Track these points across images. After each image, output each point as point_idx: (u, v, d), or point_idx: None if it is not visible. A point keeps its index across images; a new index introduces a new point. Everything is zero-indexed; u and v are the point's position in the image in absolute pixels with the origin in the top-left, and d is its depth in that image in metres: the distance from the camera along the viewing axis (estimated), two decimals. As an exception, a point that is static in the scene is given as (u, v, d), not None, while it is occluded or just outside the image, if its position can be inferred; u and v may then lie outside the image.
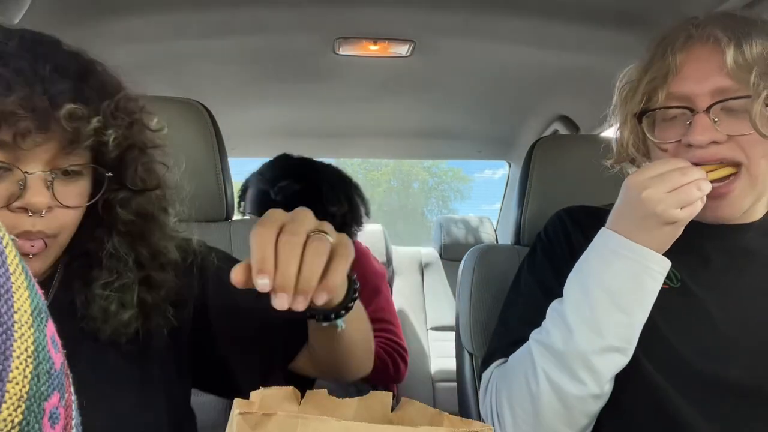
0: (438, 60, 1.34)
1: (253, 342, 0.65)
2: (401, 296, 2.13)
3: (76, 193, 0.54)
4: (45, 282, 0.58)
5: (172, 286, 0.60)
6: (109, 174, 0.56)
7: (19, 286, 0.23)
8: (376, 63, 1.35)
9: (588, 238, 0.68)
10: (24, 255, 0.51)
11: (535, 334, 0.66)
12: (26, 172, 0.49)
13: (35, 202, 0.49)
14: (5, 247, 0.23)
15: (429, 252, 2.33)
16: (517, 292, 0.79)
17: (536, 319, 0.69)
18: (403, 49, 1.26)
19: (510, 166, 2.32)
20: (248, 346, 0.65)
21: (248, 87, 1.53)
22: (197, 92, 1.48)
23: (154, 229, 0.60)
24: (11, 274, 0.22)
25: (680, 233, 0.59)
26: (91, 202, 0.55)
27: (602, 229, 0.63)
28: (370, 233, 2.20)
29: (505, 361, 0.71)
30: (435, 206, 10.30)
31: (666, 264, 0.60)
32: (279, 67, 1.39)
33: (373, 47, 1.25)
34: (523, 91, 1.58)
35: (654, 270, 0.59)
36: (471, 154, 2.28)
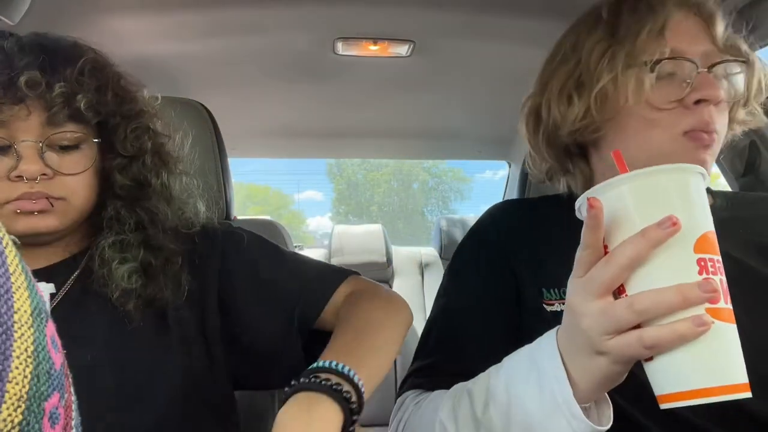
0: (438, 60, 1.34)
1: (275, 304, 0.68)
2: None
3: (74, 162, 0.60)
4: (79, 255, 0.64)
5: (174, 249, 0.64)
6: (97, 140, 0.62)
7: (19, 287, 0.23)
8: (376, 63, 1.35)
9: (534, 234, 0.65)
10: (30, 214, 0.57)
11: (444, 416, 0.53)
12: (21, 142, 0.56)
13: (27, 169, 0.56)
14: (5, 248, 0.23)
15: (429, 252, 2.33)
16: (435, 308, 0.71)
17: (456, 338, 0.65)
18: (403, 49, 1.26)
19: (510, 166, 2.32)
20: (270, 308, 0.68)
21: (248, 87, 1.53)
22: (197, 92, 1.48)
23: (150, 194, 0.65)
24: (11, 274, 0.22)
25: (624, 372, 0.41)
26: (85, 170, 0.61)
27: (551, 333, 0.46)
28: (370, 233, 2.20)
29: (418, 396, 0.63)
30: (435, 206, 10.31)
31: (579, 424, 0.42)
32: (279, 67, 1.39)
33: (373, 47, 1.25)
34: (523, 91, 1.58)
35: (563, 426, 0.42)
36: (471, 154, 2.28)
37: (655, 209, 0.37)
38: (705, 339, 0.35)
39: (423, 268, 2.26)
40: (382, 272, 2.18)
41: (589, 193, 0.40)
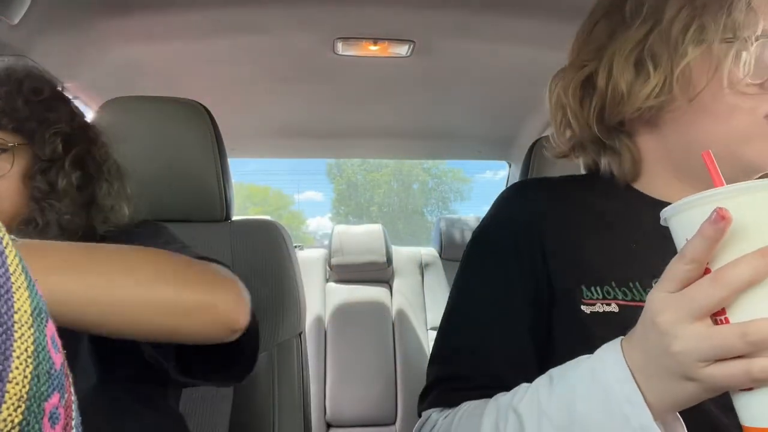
0: (438, 60, 1.34)
1: None
2: (401, 296, 2.13)
3: None
4: None
5: None
6: (11, 144, 0.64)
7: (19, 287, 0.22)
8: (376, 63, 1.35)
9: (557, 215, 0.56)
10: None
11: None
12: None
13: None
14: (5, 247, 0.23)
15: (429, 252, 2.33)
16: (450, 309, 0.63)
17: (480, 343, 0.57)
18: (403, 49, 1.26)
19: (510, 166, 2.32)
20: None
21: (248, 87, 1.53)
22: (197, 92, 1.48)
23: (61, 197, 0.66)
24: (11, 274, 0.22)
25: (700, 399, 0.37)
26: (3, 174, 0.63)
27: (614, 345, 0.41)
28: (370, 233, 2.20)
29: (444, 414, 0.55)
30: (435, 207, 10.31)
31: None
32: (279, 67, 1.39)
33: (373, 47, 1.25)
34: (523, 91, 1.58)
35: None
36: (471, 154, 2.28)
37: None
38: None
39: (423, 268, 2.26)
40: (382, 272, 2.18)
41: (687, 201, 0.35)
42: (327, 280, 2.22)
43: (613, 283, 0.52)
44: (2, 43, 0.99)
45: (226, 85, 1.50)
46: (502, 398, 0.48)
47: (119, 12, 1.07)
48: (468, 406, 0.52)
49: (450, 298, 0.64)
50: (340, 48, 1.25)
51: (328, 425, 1.91)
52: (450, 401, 0.55)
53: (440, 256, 2.30)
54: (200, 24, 1.14)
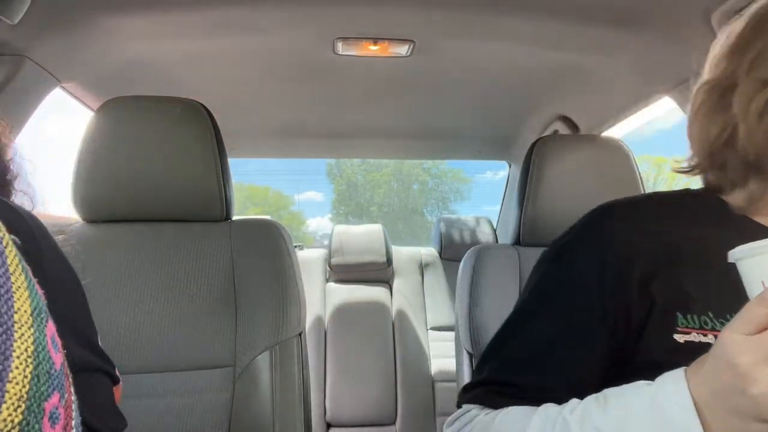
0: (438, 60, 1.34)
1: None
2: (401, 296, 2.13)
3: None
4: None
5: None
6: None
7: (19, 287, 0.22)
8: (376, 63, 1.35)
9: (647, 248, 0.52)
10: None
11: None
12: None
13: None
14: (5, 247, 0.23)
15: (429, 252, 2.33)
16: (520, 314, 0.61)
17: (543, 360, 0.55)
18: (403, 49, 1.26)
19: (510, 166, 2.32)
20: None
21: (248, 87, 1.53)
22: (197, 92, 1.48)
23: None
24: (11, 274, 0.22)
25: None
26: None
27: (677, 374, 0.41)
28: (370, 233, 2.20)
29: (485, 412, 0.56)
30: (435, 207, 10.30)
31: None
32: (279, 67, 1.39)
33: (373, 47, 1.25)
34: (523, 91, 1.58)
35: None
36: (471, 154, 2.28)
37: None
38: None
39: (423, 268, 2.26)
40: (382, 272, 2.18)
41: (763, 244, 0.35)
42: (327, 280, 2.22)
43: (711, 314, 0.49)
44: (2, 43, 0.98)
45: (226, 85, 1.50)
46: (551, 408, 0.48)
47: (119, 12, 1.07)
48: (512, 409, 0.52)
49: (522, 301, 0.61)
50: (340, 48, 1.25)
51: (328, 425, 1.91)
52: (495, 404, 0.55)
53: (440, 256, 2.30)
54: (200, 24, 1.14)
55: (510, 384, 0.56)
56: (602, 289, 0.54)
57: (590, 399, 0.45)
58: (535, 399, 0.51)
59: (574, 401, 0.47)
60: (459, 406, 0.60)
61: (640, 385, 0.42)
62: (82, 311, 0.54)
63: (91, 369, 0.51)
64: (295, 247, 1.13)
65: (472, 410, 0.57)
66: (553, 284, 0.59)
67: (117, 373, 0.56)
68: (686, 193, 0.60)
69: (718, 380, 0.37)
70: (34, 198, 0.58)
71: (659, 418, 0.39)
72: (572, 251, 0.59)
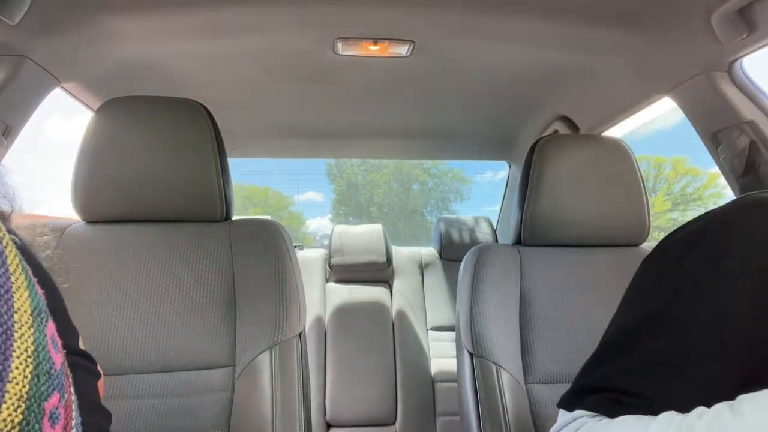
0: (438, 60, 1.34)
1: None
2: (401, 296, 2.13)
3: None
4: None
5: None
6: None
7: (19, 286, 0.22)
8: (376, 63, 1.35)
9: None
10: None
11: None
12: None
13: None
14: (5, 247, 0.23)
15: (429, 252, 2.33)
16: (653, 315, 0.53)
17: (674, 372, 0.49)
18: (403, 49, 1.26)
19: (510, 166, 2.32)
20: None
21: (248, 87, 1.53)
22: (197, 92, 1.48)
23: None
24: (11, 274, 0.22)
25: None
26: None
27: None
28: (370, 233, 2.20)
29: (598, 418, 0.52)
30: (435, 207, 10.31)
31: None
32: (279, 67, 1.39)
33: (373, 47, 1.25)
34: (523, 91, 1.58)
35: None
36: (471, 154, 2.29)
37: None
38: None
39: (423, 268, 2.26)
40: (382, 272, 2.18)
41: None
42: (327, 280, 2.22)
43: None
44: (2, 43, 0.98)
45: (226, 85, 1.50)
46: (674, 414, 0.45)
47: (119, 12, 1.07)
48: (629, 417, 0.48)
49: (650, 300, 0.54)
50: (340, 48, 1.25)
51: (328, 425, 1.90)
52: (612, 413, 0.51)
53: (440, 256, 2.30)
54: (200, 24, 1.14)
55: (632, 393, 0.50)
56: (756, 302, 0.47)
57: (722, 404, 0.41)
58: (658, 412, 0.46)
59: (702, 408, 0.43)
60: (568, 409, 0.55)
61: None
62: (61, 314, 0.54)
63: (73, 368, 0.51)
64: (295, 247, 1.13)
65: (584, 416, 0.53)
66: (699, 286, 0.50)
67: (99, 369, 0.56)
68: None
69: None
70: (13, 200, 0.57)
71: None
72: (717, 250, 0.50)
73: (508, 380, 0.95)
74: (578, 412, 0.54)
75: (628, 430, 0.46)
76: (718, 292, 0.49)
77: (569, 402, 0.56)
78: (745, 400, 0.40)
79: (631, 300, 0.57)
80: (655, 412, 0.46)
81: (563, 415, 0.56)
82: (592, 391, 0.53)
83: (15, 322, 0.22)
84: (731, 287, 0.48)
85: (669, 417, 0.44)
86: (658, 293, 0.53)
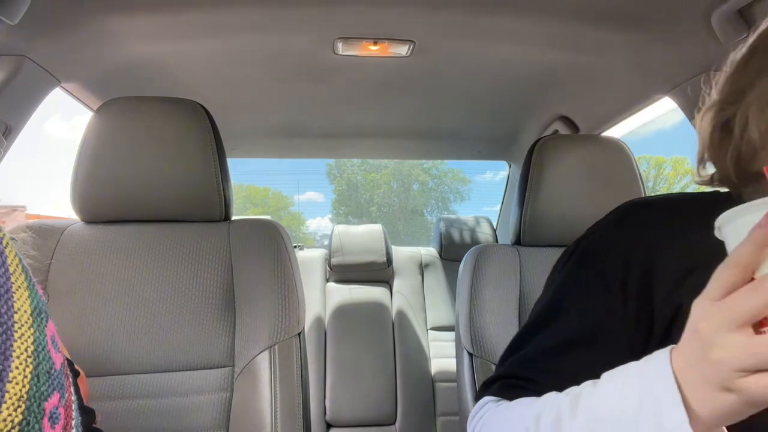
0: (438, 60, 1.34)
1: None
2: (401, 296, 2.13)
3: None
4: None
5: None
6: None
7: (19, 287, 0.22)
8: (376, 63, 1.35)
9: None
10: None
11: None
12: None
13: None
14: (5, 247, 0.23)
15: (429, 252, 2.33)
16: (542, 313, 0.61)
17: (562, 357, 0.55)
18: (403, 49, 1.26)
19: (510, 166, 2.32)
20: None
21: (248, 87, 1.53)
22: (197, 92, 1.48)
23: None
24: (11, 274, 0.22)
25: (753, 411, 0.35)
26: None
27: (665, 350, 0.40)
28: (370, 233, 2.20)
29: (499, 402, 0.58)
30: (435, 207, 10.31)
31: None
32: (279, 67, 1.39)
33: (373, 47, 1.25)
34: (523, 91, 1.58)
35: None
36: (471, 155, 2.29)
37: None
38: None
39: (423, 268, 2.26)
40: (382, 272, 2.18)
41: (742, 209, 0.35)
42: (327, 280, 2.22)
43: None
44: (2, 43, 0.99)
45: (226, 85, 1.50)
46: (554, 393, 0.49)
47: (119, 12, 1.07)
48: (522, 399, 0.54)
49: (544, 296, 0.62)
50: (340, 48, 1.25)
51: (328, 425, 1.91)
52: (511, 396, 0.56)
53: (440, 256, 2.30)
54: (200, 24, 1.14)
55: (528, 379, 0.56)
56: (625, 292, 0.54)
57: (588, 382, 0.46)
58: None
59: (573, 387, 0.47)
60: (480, 397, 0.61)
61: (631, 364, 0.42)
62: None
63: None
64: (295, 247, 1.13)
65: (489, 402, 0.58)
66: (576, 284, 0.59)
67: (76, 367, 0.56)
68: (715, 194, 0.58)
69: (688, 348, 0.37)
70: None
71: (645, 392, 0.39)
72: (596, 251, 0.59)
73: (507, 380, 0.95)
74: (485, 399, 0.59)
75: (519, 409, 0.52)
76: (592, 285, 0.57)
77: (480, 392, 0.61)
78: (604, 375, 0.44)
79: (538, 299, 0.65)
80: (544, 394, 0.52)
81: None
82: (497, 379, 0.60)
83: (15, 322, 0.22)
84: (603, 280, 0.56)
85: (550, 396, 0.50)
86: (547, 291, 0.62)
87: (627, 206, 0.60)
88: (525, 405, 0.51)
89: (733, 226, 0.36)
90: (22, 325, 0.22)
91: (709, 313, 0.35)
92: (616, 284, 0.55)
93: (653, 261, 0.54)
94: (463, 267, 1.07)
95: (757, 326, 0.33)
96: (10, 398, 0.20)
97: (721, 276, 0.35)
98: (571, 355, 0.55)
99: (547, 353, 0.57)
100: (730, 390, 0.34)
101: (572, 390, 0.46)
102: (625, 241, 0.57)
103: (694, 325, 0.36)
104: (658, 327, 0.52)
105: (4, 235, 0.24)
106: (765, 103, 0.49)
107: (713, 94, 0.57)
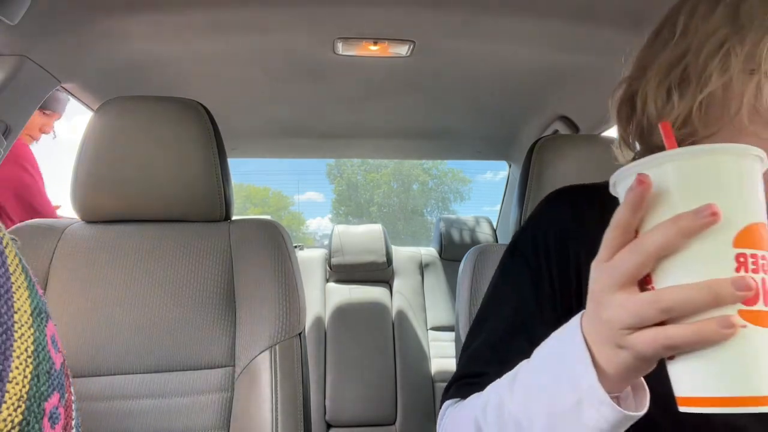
0: (438, 60, 1.34)
1: None
2: (401, 296, 2.13)
3: None
4: None
5: None
6: None
7: (19, 287, 0.22)
8: (376, 63, 1.35)
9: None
10: None
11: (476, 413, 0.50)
12: None
13: None
14: (5, 247, 0.23)
15: (429, 252, 2.33)
16: (483, 307, 0.64)
17: (501, 346, 0.57)
18: (403, 49, 1.26)
19: (510, 166, 2.32)
20: None
21: (248, 87, 1.53)
22: (197, 92, 1.48)
23: None
24: (11, 274, 0.22)
25: (650, 367, 0.36)
26: None
27: (575, 318, 0.41)
28: (370, 233, 2.20)
29: (456, 404, 0.59)
30: (435, 207, 10.31)
31: (607, 408, 0.37)
32: (279, 67, 1.39)
33: (373, 47, 1.25)
34: (523, 91, 1.58)
35: (591, 413, 0.38)
36: (471, 155, 2.29)
37: (697, 194, 0.32)
38: (733, 343, 0.31)
39: (423, 268, 2.26)
40: (382, 272, 2.18)
41: (628, 168, 0.35)
42: (327, 280, 2.22)
43: None
44: (2, 43, 0.99)
45: (226, 85, 1.50)
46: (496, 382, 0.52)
47: (119, 12, 1.07)
48: (477, 393, 0.55)
49: (485, 296, 0.65)
50: (340, 48, 1.25)
51: (328, 425, 1.91)
52: (465, 395, 0.57)
53: (440, 256, 2.30)
54: (200, 24, 1.14)
55: (481, 374, 0.58)
56: (549, 275, 0.58)
57: (523, 360, 0.47)
58: None
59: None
60: (442, 405, 0.62)
61: (553, 334, 0.43)
62: None
63: None
64: (295, 247, 1.13)
65: (448, 408, 0.59)
66: (508, 275, 0.62)
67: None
68: None
69: (588, 311, 0.39)
70: None
71: (561, 357, 0.41)
72: (524, 241, 0.62)
73: (507, 380, 0.95)
74: (445, 404, 0.60)
75: (470, 403, 0.53)
76: (520, 272, 0.60)
77: (442, 399, 0.62)
78: (535, 350, 0.46)
79: None
80: None
81: None
82: (453, 383, 0.61)
83: (15, 322, 0.22)
84: (528, 264, 0.59)
85: (494, 383, 0.51)
86: (492, 285, 0.64)
87: (552, 193, 0.64)
88: (475, 398, 0.53)
89: (624, 185, 0.37)
90: (22, 325, 0.22)
91: (598, 274, 0.36)
92: (539, 269, 0.58)
93: (566, 245, 0.57)
94: (463, 267, 1.07)
95: (644, 283, 0.34)
96: (10, 398, 0.20)
97: (606, 238, 0.36)
98: (513, 343, 0.57)
99: (493, 345, 0.59)
100: (622, 347, 0.35)
101: (512, 371, 0.48)
102: (544, 226, 0.60)
103: (590, 287, 0.37)
104: (576, 308, 0.54)
105: (4, 235, 0.24)
106: (662, 78, 0.51)
107: (624, 72, 0.59)
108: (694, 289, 0.31)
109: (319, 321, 2.04)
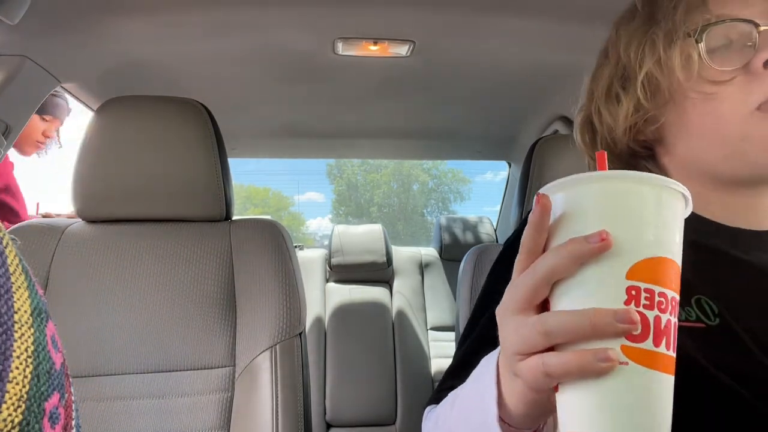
0: (438, 60, 1.34)
1: None
2: (401, 296, 2.13)
3: None
4: None
5: None
6: None
7: (19, 287, 0.22)
8: (376, 63, 1.35)
9: None
10: None
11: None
12: None
13: None
14: (5, 247, 0.23)
15: (429, 252, 2.33)
16: (471, 315, 0.63)
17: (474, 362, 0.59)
18: (403, 49, 1.26)
19: (510, 166, 2.32)
20: None
21: (248, 87, 1.53)
22: (197, 92, 1.48)
23: None
24: (11, 274, 0.22)
25: (545, 401, 0.34)
26: None
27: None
28: (370, 233, 2.20)
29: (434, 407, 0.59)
30: (435, 208, 10.31)
31: None
32: (279, 67, 1.39)
33: (373, 47, 1.25)
34: (523, 91, 1.58)
35: None
36: (471, 155, 2.29)
37: (601, 219, 0.31)
38: (613, 381, 0.29)
39: (423, 268, 2.26)
40: (382, 272, 2.18)
41: (549, 186, 0.34)
42: (327, 280, 2.22)
43: None
44: (2, 43, 0.99)
45: (226, 85, 1.50)
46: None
47: (119, 12, 1.07)
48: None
49: (474, 306, 0.65)
50: (340, 48, 1.25)
51: (328, 425, 1.91)
52: (439, 401, 0.58)
53: (440, 256, 2.30)
54: (200, 24, 1.14)
55: (451, 387, 0.57)
56: None
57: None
58: None
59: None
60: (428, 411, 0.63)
61: (491, 354, 0.41)
62: None
63: None
64: (295, 247, 1.13)
65: (429, 413, 0.60)
66: (494, 282, 0.61)
67: None
68: None
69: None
70: None
71: (479, 379, 0.40)
72: (510, 246, 0.62)
73: (508, 380, 0.95)
74: (427, 409, 0.61)
75: (438, 410, 0.53)
76: (503, 280, 0.57)
77: (426, 404, 0.63)
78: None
79: None
80: None
81: None
82: (437, 392, 0.61)
83: (15, 322, 0.22)
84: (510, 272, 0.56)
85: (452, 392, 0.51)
86: (480, 294, 0.64)
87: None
88: (440, 406, 0.53)
89: (554, 200, 0.35)
90: (22, 325, 0.22)
91: (504, 296, 0.35)
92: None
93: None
94: (463, 267, 1.07)
95: (545, 308, 0.33)
96: (10, 398, 0.20)
97: (517, 260, 0.34)
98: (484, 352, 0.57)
99: (475, 357, 0.58)
100: (516, 375, 0.33)
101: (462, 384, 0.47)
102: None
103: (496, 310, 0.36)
104: None
105: (4, 235, 0.24)
106: (608, 89, 0.58)
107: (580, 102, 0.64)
108: (576, 316, 0.29)
109: (319, 321, 2.04)
